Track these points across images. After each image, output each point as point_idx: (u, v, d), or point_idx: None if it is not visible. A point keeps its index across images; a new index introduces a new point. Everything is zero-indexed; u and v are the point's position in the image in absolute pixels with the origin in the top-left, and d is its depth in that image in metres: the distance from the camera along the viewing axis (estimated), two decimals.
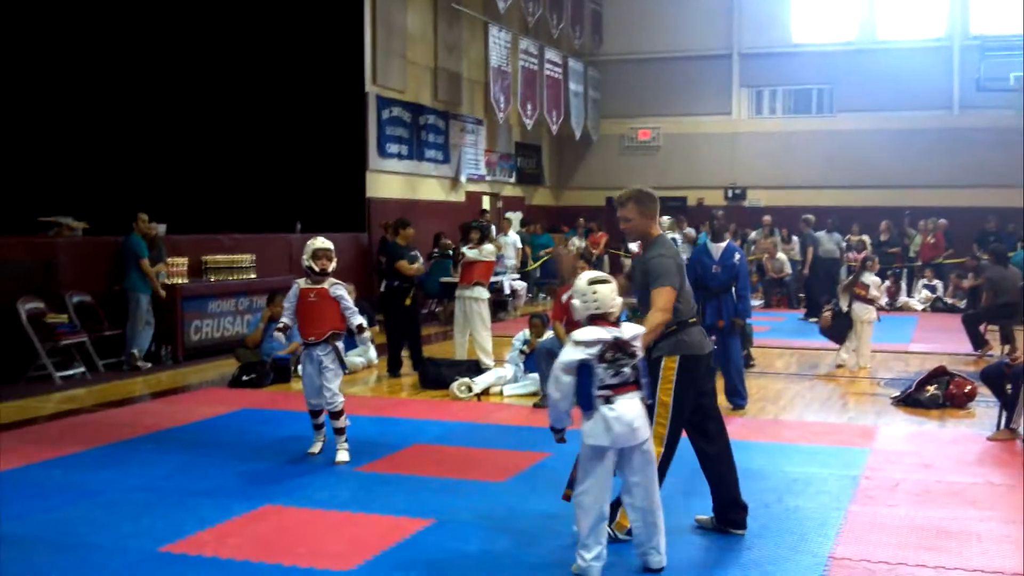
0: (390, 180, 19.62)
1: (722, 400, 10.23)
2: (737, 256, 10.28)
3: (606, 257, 23.96)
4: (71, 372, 11.85)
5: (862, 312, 12.97)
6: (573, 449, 8.38)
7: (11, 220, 13.67)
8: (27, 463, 7.84)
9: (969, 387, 10.37)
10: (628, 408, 5.27)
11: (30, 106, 15.30)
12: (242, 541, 5.98)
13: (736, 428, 9.27)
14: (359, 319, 8.15)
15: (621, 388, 5.28)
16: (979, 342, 14.27)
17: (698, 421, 6.12)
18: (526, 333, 11.55)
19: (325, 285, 8.02)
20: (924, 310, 21.20)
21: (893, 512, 6.63)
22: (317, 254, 8.00)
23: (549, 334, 11.01)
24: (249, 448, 8.45)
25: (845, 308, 13.06)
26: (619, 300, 5.45)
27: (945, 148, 25.17)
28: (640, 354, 5.39)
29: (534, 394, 10.62)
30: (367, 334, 8.54)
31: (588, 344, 5.22)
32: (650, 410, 5.61)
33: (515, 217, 25.20)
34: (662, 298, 5.79)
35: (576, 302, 5.42)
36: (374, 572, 5.48)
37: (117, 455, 8.18)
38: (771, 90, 27.99)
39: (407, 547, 5.78)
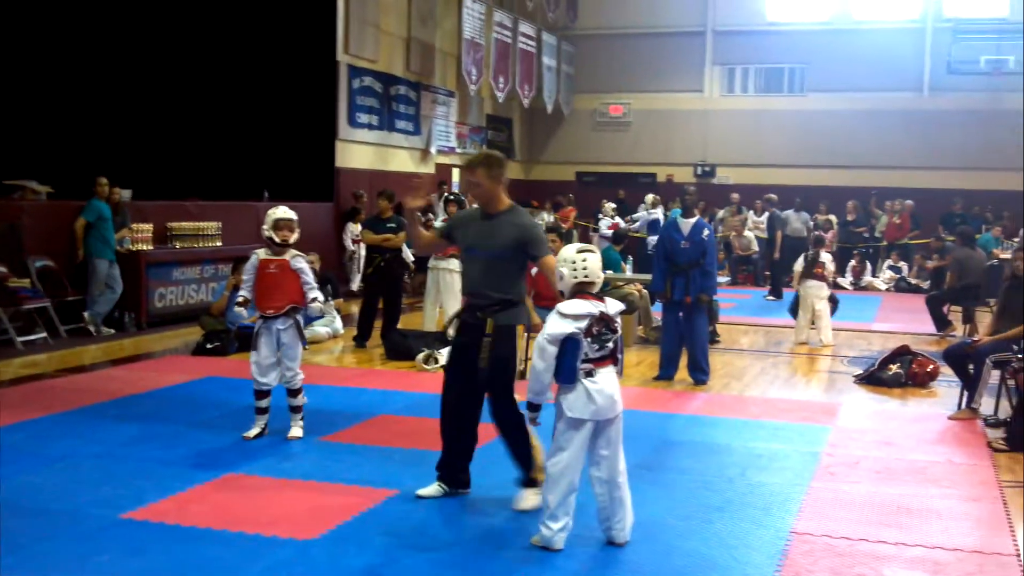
0: (360, 150, 19.49)
1: (684, 375, 10.34)
2: (706, 232, 10.30)
3: (575, 231, 23.96)
4: (33, 337, 11.72)
5: (817, 290, 13.10)
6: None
7: None
8: None
9: (931, 366, 10.47)
10: (608, 381, 5.33)
11: None
12: (204, 509, 5.95)
13: (700, 404, 9.37)
14: (315, 294, 7.73)
15: (601, 362, 5.32)
16: (942, 323, 14.40)
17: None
18: None
19: (286, 257, 7.64)
20: (888, 290, 21.38)
21: (854, 489, 6.69)
22: (279, 224, 7.61)
23: None
24: (212, 416, 8.40)
25: (795, 287, 13.40)
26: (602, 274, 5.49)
27: (914, 129, 25.30)
28: (620, 330, 5.44)
29: None
30: (330, 304, 8.23)
31: (576, 317, 5.24)
32: (498, 374, 5.95)
33: None
34: (554, 263, 5.88)
35: (564, 270, 5.41)
36: (337, 541, 5.47)
37: (79, 421, 8.10)
38: (743, 68, 27.99)
39: (370, 517, 5.77)
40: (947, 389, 10.13)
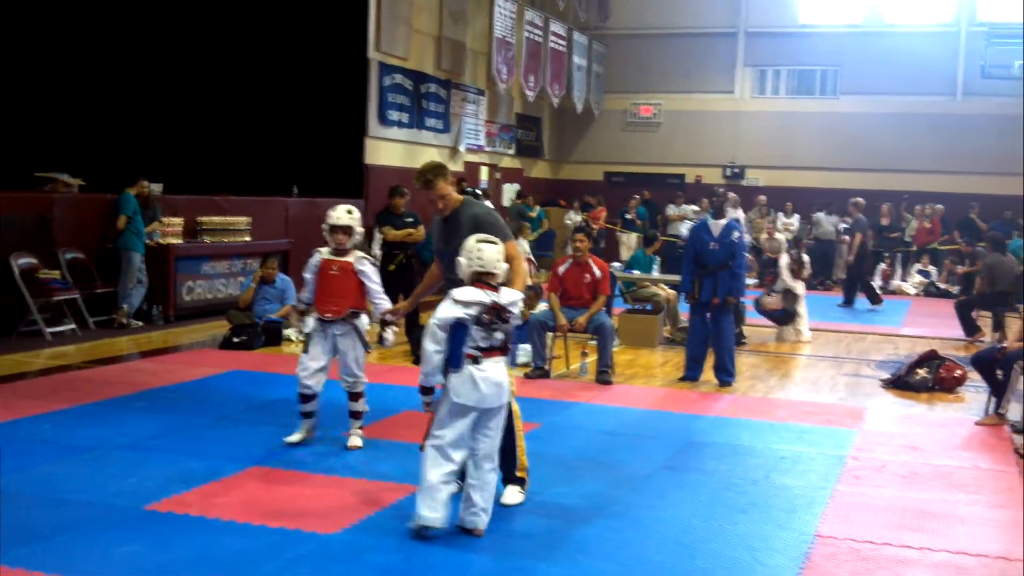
0: (389, 147, 19.52)
1: (709, 376, 10.32)
2: (736, 234, 10.26)
3: (604, 232, 23.93)
4: (62, 328, 11.82)
5: (797, 289, 13.76)
6: (561, 419, 8.43)
7: (7, 175, 13.62)
8: (16, 417, 7.82)
9: (959, 371, 10.39)
10: (495, 370, 5.41)
11: (29, 62, 15.23)
12: (228, 502, 5.98)
13: (725, 405, 9.34)
14: (382, 301, 7.30)
15: (490, 352, 5.40)
16: (971, 328, 14.28)
17: None
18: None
19: (350, 259, 7.25)
20: (917, 295, 21.22)
21: (879, 493, 6.65)
22: (334, 230, 7.22)
23: (543, 306, 11.00)
24: (238, 409, 8.45)
25: (789, 285, 13.87)
26: (503, 264, 5.51)
27: (947, 133, 25.07)
28: (516, 321, 5.52)
29: (525, 365, 10.61)
30: (390, 332, 7.29)
31: (466, 304, 5.35)
32: None
33: (511, 189, 25.13)
34: (515, 249, 5.99)
35: (462, 259, 5.51)
36: (359, 536, 5.48)
37: (106, 413, 8.17)
38: (775, 70, 27.84)
39: (393, 512, 5.78)
40: (975, 395, 10.04)
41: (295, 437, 7.26)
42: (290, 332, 11.87)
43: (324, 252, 7.34)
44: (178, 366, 10.35)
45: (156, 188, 13.90)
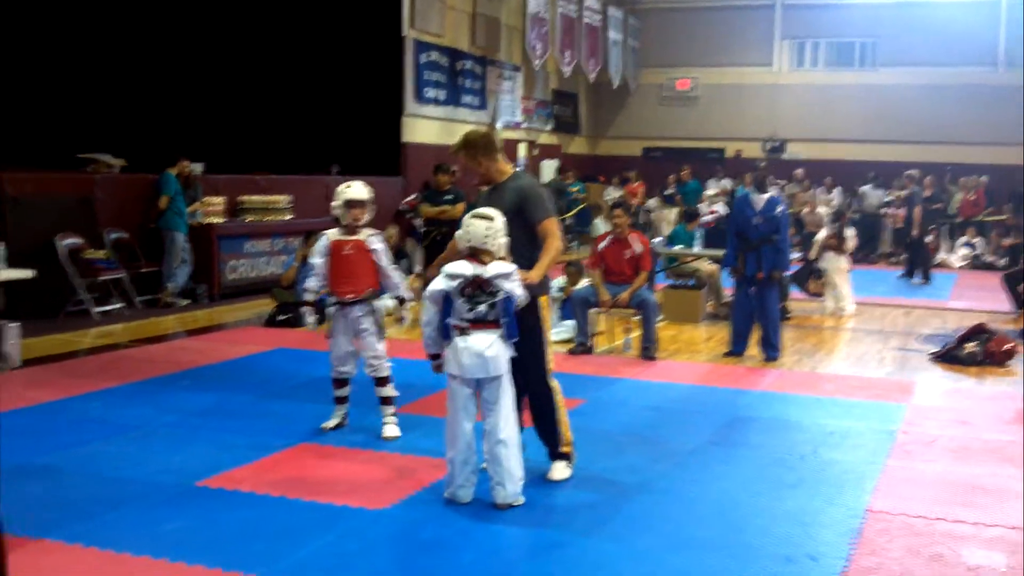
0: (426, 125, 19.51)
1: (754, 351, 10.25)
2: (779, 208, 10.15)
3: (642, 207, 23.81)
4: (108, 308, 11.93)
5: (836, 262, 13.65)
6: (606, 395, 8.40)
7: (50, 156, 13.74)
8: (65, 396, 7.91)
9: (1009, 344, 10.26)
10: (480, 341, 5.46)
11: (72, 43, 15.32)
12: (278, 478, 6.02)
13: (771, 380, 9.27)
14: (403, 290, 7.13)
15: (478, 324, 5.47)
16: (1019, 300, 14.09)
17: None
18: (562, 280, 11.50)
19: (361, 237, 6.97)
20: (963, 267, 20.98)
21: (930, 468, 6.58)
22: (351, 204, 6.90)
23: (585, 282, 10.96)
24: (285, 386, 8.49)
25: (813, 256, 13.94)
26: (499, 240, 5.51)
27: (988, 104, 24.68)
28: (510, 292, 5.47)
29: (569, 341, 10.58)
30: (407, 306, 7.20)
31: (452, 277, 5.46)
32: (532, 353, 5.82)
33: (550, 165, 25.05)
34: (555, 227, 6.00)
35: (459, 233, 5.60)
36: (407, 511, 5.50)
37: (153, 391, 8.23)
38: (813, 42, 27.55)
39: (440, 487, 5.78)
40: None
41: (331, 423, 7.13)
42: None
43: (333, 234, 7.01)
44: (223, 344, 10.42)
45: (197, 168, 13.97)
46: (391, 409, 7.08)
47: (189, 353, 9.88)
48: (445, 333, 5.52)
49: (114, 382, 8.46)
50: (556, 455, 6.09)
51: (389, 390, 7.07)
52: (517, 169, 6.29)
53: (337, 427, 7.14)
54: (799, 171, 23.93)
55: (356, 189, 6.94)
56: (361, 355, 7.05)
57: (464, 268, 5.46)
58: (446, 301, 5.49)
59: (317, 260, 7.02)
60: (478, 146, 6.10)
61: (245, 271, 14.07)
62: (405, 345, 10.53)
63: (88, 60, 15.44)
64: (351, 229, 6.96)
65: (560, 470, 6.05)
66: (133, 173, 13.54)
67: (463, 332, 5.47)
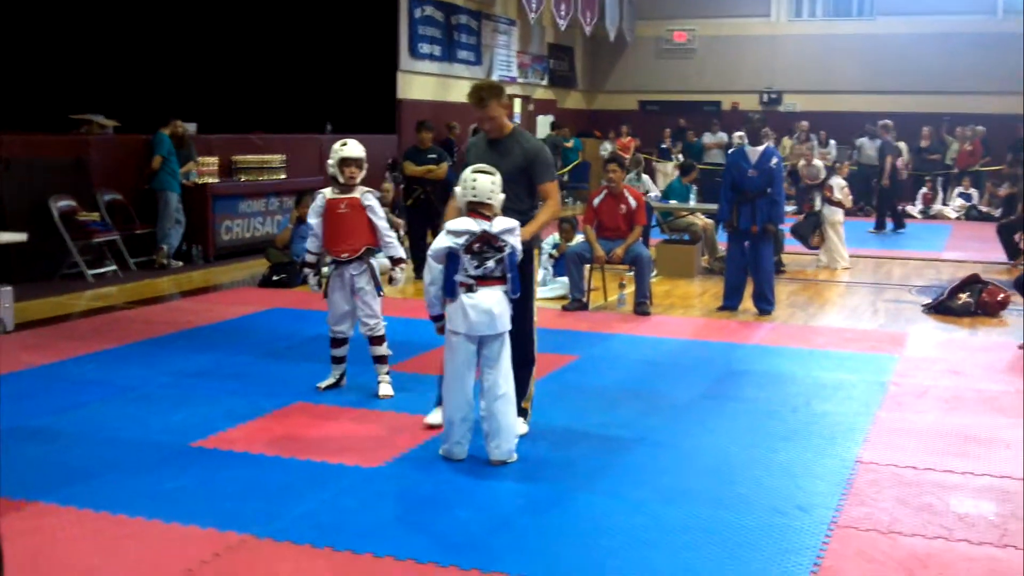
0: (422, 81, 19.43)
1: (749, 305, 10.27)
2: (774, 160, 10.12)
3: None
4: (103, 270, 11.93)
5: (829, 214, 13.62)
6: (600, 351, 8.44)
7: (43, 117, 13.69)
8: (61, 359, 7.93)
9: (1002, 295, 10.28)
10: (487, 298, 5.47)
11: (64, 3, 15.21)
12: (272, 437, 6.05)
13: (765, 333, 9.30)
14: (395, 249, 7.05)
15: (484, 280, 5.47)
16: (1013, 251, 14.09)
17: None
18: (555, 237, 11.51)
19: (356, 194, 6.94)
20: (958, 218, 20.97)
21: (921, 418, 6.62)
22: (345, 162, 6.88)
23: (579, 238, 10.97)
24: (279, 346, 8.52)
25: (818, 206, 13.88)
26: (500, 195, 5.51)
27: (987, 53, 24.52)
28: (515, 248, 5.53)
29: (563, 297, 10.61)
30: (399, 271, 7.07)
31: (457, 234, 5.41)
32: (521, 304, 5.79)
33: (545, 121, 24.95)
34: (556, 190, 6.12)
35: (458, 189, 5.54)
36: (402, 469, 5.54)
37: (148, 352, 8.26)
38: None
39: (435, 445, 5.82)
40: (1017, 318, 9.95)
41: (327, 382, 7.15)
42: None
43: (328, 192, 7.00)
44: (219, 305, 10.44)
45: (190, 128, 13.92)
46: (385, 368, 7.09)
47: (184, 314, 9.90)
48: (451, 291, 5.49)
49: (109, 344, 8.49)
50: (519, 410, 6.08)
51: (383, 349, 7.07)
52: (515, 124, 6.24)
53: (333, 386, 7.15)
54: (803, 123, 23.83)
55: (351, 147, 6.92)
56: (357, 314, 7.04)
57: (469, 224, 5.43)
58: (451, 258, 5.46)
59: (313, 220, 7.02)
60: (501, 93, 6.09)
61: (240, 231, 14.06)
62: (400, 304, 10.57)
63: (80, 21, 15.35)
64: (346, 187, 6.93)
65: (520, 425, 6.04)
66: (126, 134, 13.49)
67: (469, 289, 5.46)
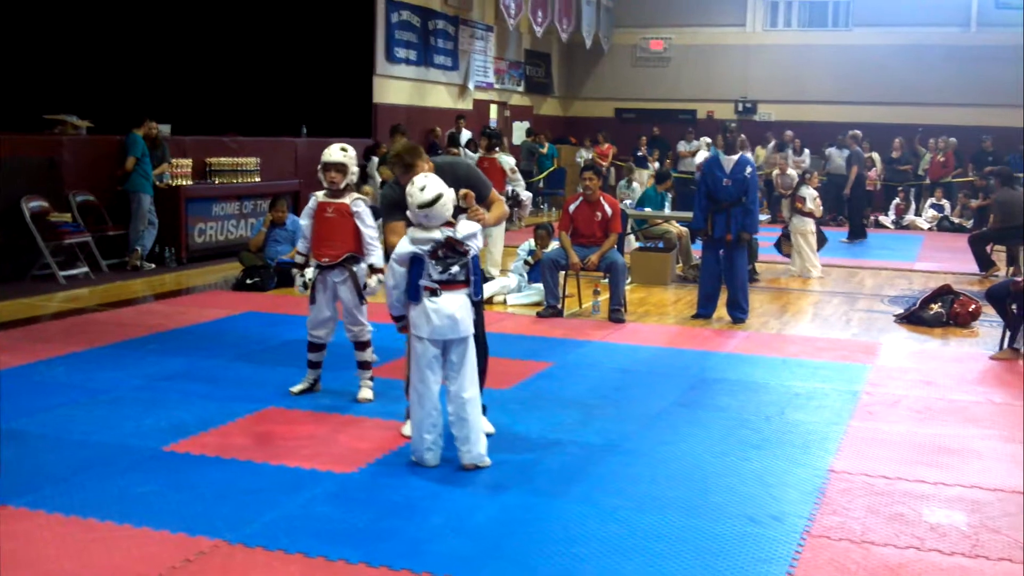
0: (398, 86, 19.40)
1: (723, 313, 10.31)
2: (749, 170, 10.17)
3: (613, 169, 23.81)
4: (74, 271, 11.83)
5: (799, 224, 13.71)
6: (574, 358, 8.44)
7: (16, 117, 13.57)
8: (31, 360, 7.86)
9: (973, 306, 10.36)
10: (450, 302, 5.50)
11: (37, 4, 15.10)
12: (246, 442, 6.02)
13: (738, 342, 9.33)
14: (375, 257, 6.90)
15: (448, 284, 5.50)
16: (985, 262, 14.22)
17: None
18: (531, 243, 11.52)
19: (346, 200, 6.89)
20: (930, 229, 21.14)
21: (893, 428, 6.66)
22: (327, 167, 6.86)
23: (554, 244, 10.97)
24: (253, 350, 8.47)
25: (786, 216, 14.17)
26: (450, 205, 5.48)
27: (960, 66, 24.77)
28: (474, 252, 5.58)
29: (538, 304, 10.61)
30: (374, 279, 6.89)
31: (421, 241, 5.45)
32: (478, 308, 5.83)
33: (521, 127, 24.98)
34: (499, 195, 6.20)
35: (409, 214, 5.51)
36: (377, 474, 5.52)
37: (121, 355, 8.20)
38: (787, 2, 27.51)
39: (408, 451, 5.79)
40: (989, 329, 10.02)
41: (300, 387, 7.11)
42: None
43: (320, 195, 6.99)
44: (192, 308, 10.38)
45: (164, 129, 13.84)
46: (368, 373, 7.09)
47: (156, 317, 9.84)
48: (414, 295, 5.51)
49: (80, 346, 8.42)
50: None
51: (367, 355, 7.08)
52: (435, 160, 6.06)
53: (307, 391, 7.12)
54: (789, 133, 23.97)
55: (331, 151, 6.90)
56: (342, 319, 7.04)
57: (432, 233, 5.46)
58: (415, 262, 5.48)
59: (304, 221, 7.02)
60: (416, 155, 5.90)
61: (213, 234, 13.98)
62: (377, 307, 10.52)
63: (55, 20, 15.23)
64: (335, 192, 6.91)
65: (486, 424, 6.03)
66: (99, 135, 13.40)
67: (433, 293, 5.49)
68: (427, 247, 5.45)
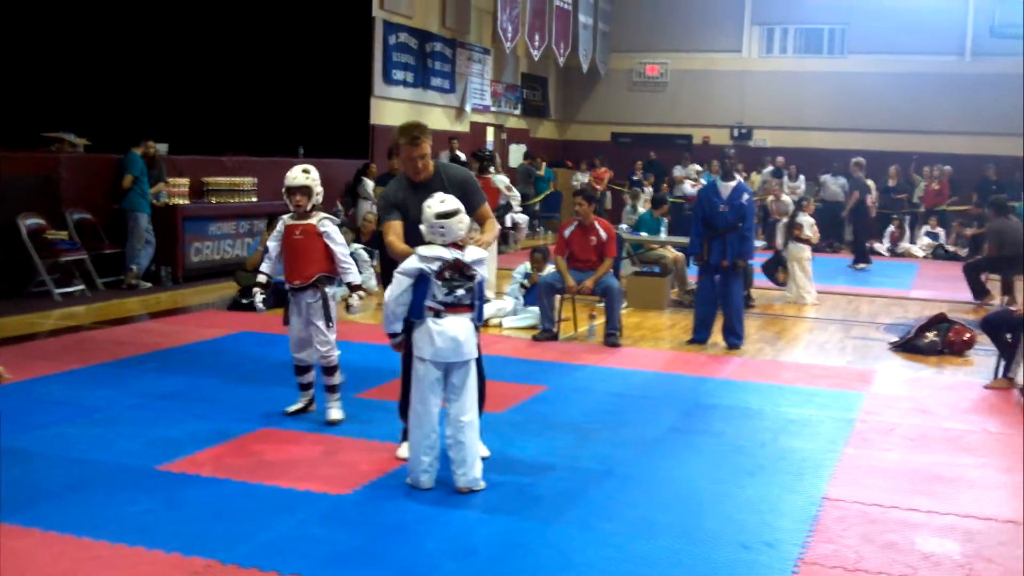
0: (395, 107, 19.44)
1: (718, 339, 10.32)
2: (746, 196, 10.21)
3: (608, 193, 23.87)
4: (71, 289, 11.83)
5: (796, 251, 13.75)
6: (569, 382, 8.44)
7: (13, 135, 13.58)
8: (26, 378, 7.84)
9: (968, 335, 10.38)
10: (454, 325, 5.52)
11: (35, 21, 15.14)
12: (239, 462, 6.01)
13: (733, 368, 9.34)
14: (352, 275, 6.91)
15: (454, 307, 5.52)
16: (980, 291, 14.25)
17: None
18: (527, 266, 11.53)
19: (313, 221, 6.85)
20: (925, 257, 21.19)
21: (888, 456, 6.67)
22: (290, 191, 6.83)
23: (550, 268, 10.99)
24: (248, 370, 8.47)
25: (780, 246, 14.13)
26: (467, 222, 5.56)
27: (955, 94, 24.89)
28: (480, 278, 5.60)
29: (533, 327, 10.62)
30: (355, 297, 6.88)
31: (429, 260, 5.46)
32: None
33: (518, 150, 25.04)
34: (491, 212, 6.16)
35: (423, 228, 5.53)
36: (370, 496, 5.51)
37: (116, 373, 8.19)
38: (783, 28, 27.63)
39: (402, 473, 5.79)
40: (984, 358, 10.03)
41: (295, 407, 7.10)
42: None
43: (287, 218, 6.93)
44: (188, 327, 10.37)
45: (161, 148, 13.86)
46: (336, 396, 7.02)
47: (152, 336, 9.83)
48: (418, 314, 5.51)
49: (76, 364, 8.41)
50: None
51: (335, 379, 6.99)
52: (438, 162, 6.15)
53: (301, 411, 7.09)
54: (780, 159, 24.10)
55: (294, 175, 6.85)
56: (313, 342, 6.96)
57: (441, 252, 5.47)
58: (421, 280, 5.48)
59: (271, 244, 7.00)
60: (425, 132, 5.99)
61: (210, 253, 13.98)
62: (366, 329, 10.53)
63: (52, 38, 15.28)
64: (301, 214, 6.86)
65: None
66: (97, 153, 13.41)
67: (437, 315, 5.49)
68: (435, 266, 5.45)
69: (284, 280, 7.01)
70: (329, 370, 6.97)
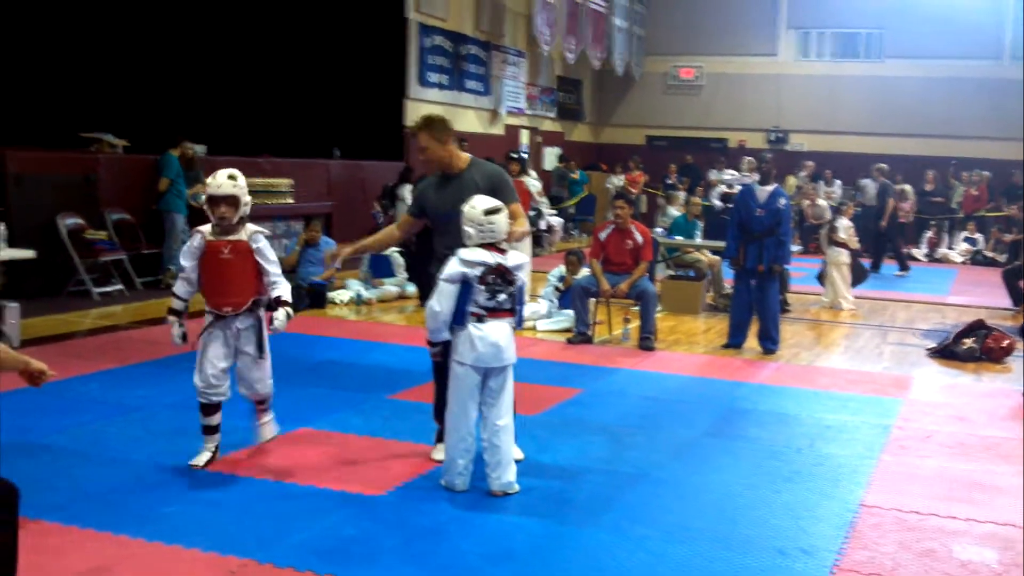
0: (429, 110, 19.40)
1: (753, 343, 10.27)
2: (782, 201, 10.15)
3: (644, 196, 23.81)
4: (109, 289, 11.93)
5: (833, 255, 13.65)
6: (604, 385, 8.43)
7: (53, 135, 13.73)
8: (65, 377, 7.89)
9: (1007, 341, 10.27)
10: (495, 330, 5.51)
11: (76, 22, 15.31)
12: (276, 462, 6.04)
13: (769, 373, 9.30)
14: (281, 290, 5.88)
15: (495, 312, 5.51)
16: (1018, 297, 14.08)
17: None
18: (562, 269, 11.52)
19: (243, 236, 5.81)
20: (964, 263, 21.01)
21: (925, 463, 6.61)
22: (213, 200, 5.75)
23: (585, 271, 10.98)
24: (284, 371, 8.40)
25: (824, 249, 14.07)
26: (507, 222, 5.57)
27: (993, 98, 24.62)
28: (521, 283, 5.60)
29: (568, 330, 10.61)
30: (282, 313, 5.84)
31: (472, 264, 5.44)
32: None
33: (552, 153, 25.03)
34: (522, 210, 6.09)
35: (471, 230, 5.50)
36: (405, 498, 5.53)
37: (153, 373, 8.26)
38: (819, 32, 27.45)
39: (437, 474, 5.81)
40: (1022, 365, 9.93)
41: (202, 459, 5.89)
42: (333, 295, 12.01)
43: (207, 231, 5.86)
44: None
45: (199, 149, 13.96)
46: (271, 412, 6.24)
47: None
48: (460, 319, 5.50)
49: (114, 363, 8.49)
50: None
51: (268, 416, 6.23)
52: (473, 158, 6.19)
53: (209, 462, 5.92)
54: (810, 163, 23.96)
55: (218, 182, 5.82)
56: (243, 374, 6.02)
57: (484, 256, 5.46)
58: (463, 285, 5.47)
59: (186, 263, 5.89)
60: (444, 126, 6.01)
61: None
62: (401, 331, 10.58)
63: (92, 39, 15.43)
64: (227, 228, 5.84)
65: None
66: (135, 154, 13.53)
67: (479, 320, 5.49)
68: (478, 271, 5.44)
69: (206, 304, 5.94)
70: (261, 402, 6.16)
